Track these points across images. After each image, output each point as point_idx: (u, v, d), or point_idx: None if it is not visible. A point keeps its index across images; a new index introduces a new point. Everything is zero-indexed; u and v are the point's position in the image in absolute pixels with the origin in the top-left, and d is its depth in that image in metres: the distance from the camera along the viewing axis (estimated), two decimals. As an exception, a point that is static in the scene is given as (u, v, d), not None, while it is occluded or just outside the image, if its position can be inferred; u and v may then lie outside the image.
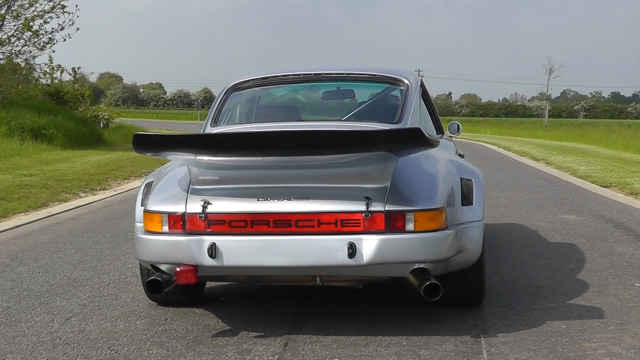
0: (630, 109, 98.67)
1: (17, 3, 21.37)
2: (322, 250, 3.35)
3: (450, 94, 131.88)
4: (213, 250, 3.44)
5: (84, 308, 4.60)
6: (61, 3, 21.90)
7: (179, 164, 3.93)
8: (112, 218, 8.36)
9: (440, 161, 4.00)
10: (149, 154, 3.64)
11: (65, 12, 21.85)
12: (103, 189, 11.20)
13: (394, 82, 4.75)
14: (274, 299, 4.59)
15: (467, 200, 3.86)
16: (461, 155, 5.53)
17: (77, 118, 21.76)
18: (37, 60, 23.35)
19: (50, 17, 21.86)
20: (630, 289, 4.95)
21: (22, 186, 10.45)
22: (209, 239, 3.46)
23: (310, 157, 3.32)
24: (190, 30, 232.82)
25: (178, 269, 3.52)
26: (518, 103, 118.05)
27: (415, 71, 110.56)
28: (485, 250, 4.27)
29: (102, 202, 9.84)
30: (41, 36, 21.81)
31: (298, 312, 4.28)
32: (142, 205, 4.00)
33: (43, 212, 8.80)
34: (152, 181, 4.25)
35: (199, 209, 3.50)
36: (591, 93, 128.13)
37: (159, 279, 3.59)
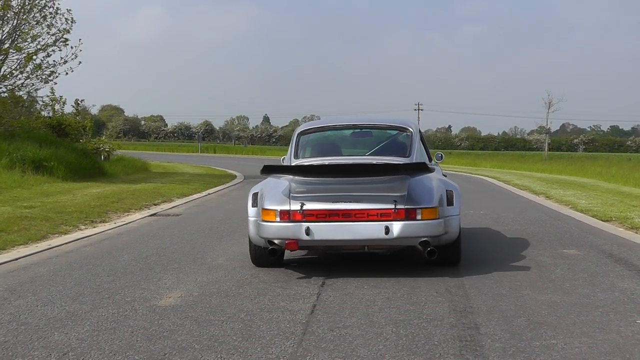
0: (629, 142, 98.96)
1: (20, 37, 21.53)
2: (370, 231, 5.89)
3: (450, 127, 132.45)
4: (308, 231, 5.93)
5: (82, 342, 4.56)
6: (64, 37, 22.08)
7: (276, 180, 6.51)
8: (111, 251, 8.33)
9: (434, 179, 6.54)
10: (269, 177, 6.53)
11: (68, 45, 22.04)
12: (103, 222, 11.18)
13: (402, 129, 7.32)
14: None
15: (450, 202, 6.38)
16: (444, 175, 7.67)
17: (78, 150, 21.80)
18: (39, 93, 23.59)
19: (53, 50, 22.02)
20: (633, 325, 4.91)
21: (22, 218, 10.44)
22: (305, 225, 5.95)
23: (363, 177, 6.02)
24: (192, 63, 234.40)
25: (287, 242, 5.99)
26: (518, 136, 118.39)
27: (416, 105, 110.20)
28: (485, 283, 6.02)
29: (102, 235, 9.81)
30: (44, 69, 21.96)
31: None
32: (253, 207, 6.55)
33: (43, 245, 8.77)
34: (257, 192, 6.67)
35: (298, 207, 5.98)
36: (590, 126, 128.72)
37: (275, 247, 6.18)
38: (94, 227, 10.61)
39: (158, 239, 9.37)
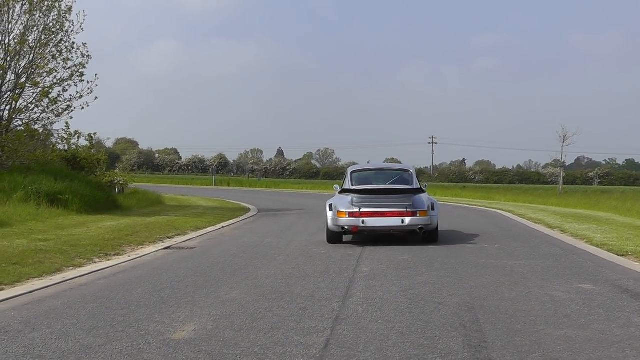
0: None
1: (36, 72, 21.79)
2: (394, 221, 12.36)
3: (464, 160, 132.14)
4: (363, 222, 12.31)
5: (96, 376, 4.57)
6: (80, 71, 22.31)
7: (341, 196, 13.26)
8: (125, 284, 8.36)
9: (424, 197, 12.97)
10: (337, 194, 13.81)
11: (84, 80, 22.28)
12: (117, 255, 11.23)
13: (405, 170, 14.06)
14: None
15: (432, 208, 12.68)
16: (430, 196, 13.78)
17: (92, 183, 21.94)
18: (54, 126, 23.71)
19: (68, 84, 22.24)
20: (649, 361, 4.87)
21: (37, 251, 10.51)
22: (361, 219, 12.32)
23: (389, 195, 12.87)
24: (206, 97, 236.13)
25: (352, 227, 12.40)
26: (532, 170, 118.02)
27: (430, 138, 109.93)
28: (500, 318, 6.37)
29: (116, 268, 9.85)
30: (59, 103, 22.17)
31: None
32: (330, 210, 12.79)
33: (57, 278, 8.82)
34: (332, 203, 12.89)
35: (357, 210, 12.37)
36: (605, 160, 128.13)
37: (345, 231, 12.67)
38: (108, 260, 10.66)
39: (172, 272, 9.40)
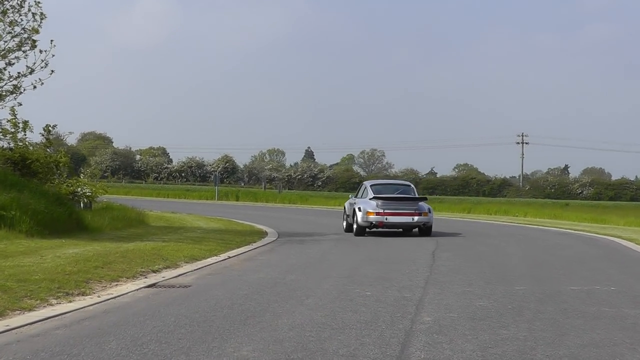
0: None
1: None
2: (407, 219, 27.30)
3: (567, 167, 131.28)
4: (386, 219, 27.21)
5: None
6: (31, 38, 22.26)
7: (365, 200, 28.29)
8: (94, 336, 8.38)
9: (425, 203, 28.72)
10: (366, 200, 28.57)
11: (36, 46, 22.17)
12: (82, 294, 11.28)
13: (408, 185, 31.03)
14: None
15: (429, 211, 28.24)
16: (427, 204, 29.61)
17: (49, 195, 22.01)
18: (-6, 115, 23.68)
19: (16, 57, 22.26)
20: None
21: (-28, 288, 10.58)
22: (385, 217, 27.15)
23: (403, 201, 28.03)
24: (207, 78, 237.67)
25: (378, 222, 27.23)
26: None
27: (518, 137, 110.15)
28: None
29: (80, 313, 9.88)
30: (2, 82, 22.19)
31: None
32: (359, 211, 27.51)
33: None
34: (360, 206, 27.77)
35: (382, 211, 27.16)
36: None
37: (373, 224, 27.40)
38: (70, 301, 10.70)
39: (158, 319, 9.42)
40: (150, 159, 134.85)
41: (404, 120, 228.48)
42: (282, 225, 31.55)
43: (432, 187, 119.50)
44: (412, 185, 30.56)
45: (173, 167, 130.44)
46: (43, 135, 25.80)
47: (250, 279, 13.64)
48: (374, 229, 27.72)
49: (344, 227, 30.06)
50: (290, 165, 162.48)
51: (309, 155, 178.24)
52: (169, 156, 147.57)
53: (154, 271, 14.26)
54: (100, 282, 12.44)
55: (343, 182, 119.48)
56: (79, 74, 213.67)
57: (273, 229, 28.92)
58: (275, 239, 24.13)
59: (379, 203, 27.06)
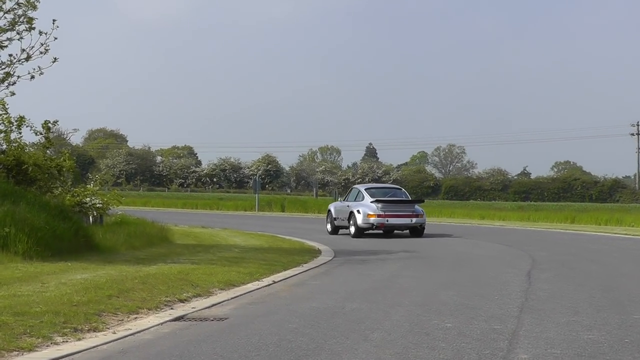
0: None
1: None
2: (406, 220, 37.43)
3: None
4: (387, 221, 37.07)
5: None
6: (28, 15, 22.27)
7: (363, 203, 38.02)
8: (109, 381, 8.42)
9: (419, 206, 39.55)
10: (365, 203, 38.29)
11: (34, 28, 22.23)
12: (94, 330, 11.34)
13: (399, 188, 43.35)
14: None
15: (424, 213, 38.91)
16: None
17: (50, 207, 22.07)
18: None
19: (8, 39, 22.39)
20: None
21: (-41, 324, 10.67)
22: (386, 219, 36.94)
23: (401, 204, 38.65)
24: (243, 59, 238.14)
25: (380, 224, 37.13)
26: None
27: (634, 126, 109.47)
28: None
29: (92, 353, 9.94)
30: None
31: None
32: (359, 214, 36.95)
33: (-7, 370, 8.95)
34: (359, 209, 37.26)
35: (383, 213, 36.78)
36: None
37: (374, 227, 37.37)
38: (79, 339, 10.76)
39: (188, 360, 9.45)
40: (174, 160, 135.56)
41: (488, 109, 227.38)
42: (339, 242, 31.56)
43: (525, 190, 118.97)
44: (403, 189, 42.96)
45: (202, 171, 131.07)
46: (42, 134, 25.66)
47: (301, 308, 13.65)
48: (371, 231, 37.61)
49: (329, 229, 40.25)
50: (348, 167, 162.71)
51: (371, 153, 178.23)
52: (197, 157, 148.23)
53: (181, 300, 14.32)
54: (115, 315, 12.51)
55: (414, 185, 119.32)
56: (86, 60, 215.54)
57: (328, 246, 28.95)
58: (330, 258, 24.15)
59: (380, 206, 36.65)
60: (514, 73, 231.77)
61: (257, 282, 17.41)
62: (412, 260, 23.66)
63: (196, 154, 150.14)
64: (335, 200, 58.89)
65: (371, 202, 36.57)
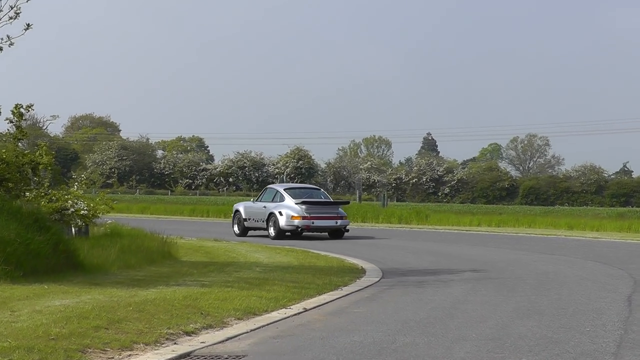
0: None
1: None
2: (331, 223, 47.32)
3: None
4: (312, 223, 46.33)
5: None
6: None
7: (286, 204, 47.88)
8: None
9: (340, 207, 51.24)
10: (287, 204, 48.46)
11: None
12: (78, 371, 11.40)
13: (318, 189, 56.06)
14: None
15: (346, 215, 50.76)
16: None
17: (22, 215, 22.14)
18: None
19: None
20: None
21: None
22: (311, 220, 46.08)
23: (326, 205, 49.51)
24: (264, 26, 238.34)
25: (305, 226, 46.36)
26: None
27: None
28: None
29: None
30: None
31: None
32: (281, 215, 46.22)
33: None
34: (280, 210, 46.61)
35: (308, 215, 46.12)
36: None
37: (299, 229, 46.53)
38: (60, 382, 10.82)
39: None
40: (180, 155, 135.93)
41: (577, 92, 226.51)
42: (388, 259, 31.57)
43: (626, 193, 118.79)
44: (322, 190, 54.31)
45: (215, 169, 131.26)
46: (12, 122, 25.77)
47: (339, 343, 13.68)
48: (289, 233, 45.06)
49: (236, 231, 48.00)
50: (400, 163, 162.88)
51: (430, 145, 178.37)
52: (208, 151, 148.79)
53: (187, 333, 14.39)
54: (104, 352, 12.58)
55: (484, 187, 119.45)
56: (68, 31, 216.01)
57: (374, 264, 28.92)
58: (378, 279, 24.20)
59: (305, 207, 44.91)
60: (613, 46, 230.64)
61: (283, 309, 17.45)
62: (482, 281, 23.64)
63: (207, 147, 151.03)
64: (385, 206, 64.13)
65: (296, 203, 45.29)
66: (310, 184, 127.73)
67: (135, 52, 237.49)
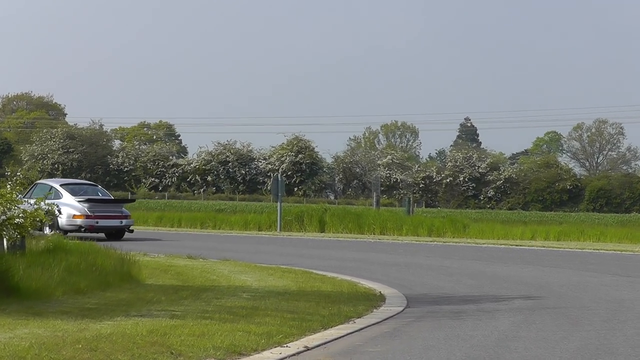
0: None
1: None
2: (117, 222, 59.93)
3: None
4: (97, 222, 57.63)
5: None
6: None
7: (68, 202, 58.62)
8: None
9: (121, 206, 66.25)
10: (67, 202, 58.83)
11: None
12: None
13: (95, 185, 72.96)
14: None
15: (130, 215, 65.92)
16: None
17: None
18: None
19: None
20: None
21: None
22: (95, 220, 57.61)
23: (110, 204, 63.67)
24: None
25: (89, 226, 57.67)
26: None
27: None
28: None
29: None
30: None
31: None
32: (61, 214, 51.17)
33: None
34: (60, 208, 43.29)
35: (92, 214, 57.28)
36: None
37: (82, 229, 57.58)
38: None
39: None
40: (143, 147, 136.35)
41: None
42: (414, 282, 31.65)
43: None
44: (100, 186, 63.25)
45: (189, 164, 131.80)
46: None
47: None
48: (77, 233, 50.47)
49: None
50: (430, 157, 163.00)
51: (468, 134, 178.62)
52: (180, 141, 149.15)
53: (153, 382, 14.35)
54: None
55: (540, 188, 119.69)
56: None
57: (396, 288, 28.95)
58: (401, 309, 24.21)
59: (87, 206, 53.19)
60: None
61: (278, 348, 17.49)
62: (537, 312, 23.64)
63: (179, 136, 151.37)
64: (411, 214, 60.86)
65: (78, 201, 53.63)
66: (313, 182, 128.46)
67: (84, 10, 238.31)
